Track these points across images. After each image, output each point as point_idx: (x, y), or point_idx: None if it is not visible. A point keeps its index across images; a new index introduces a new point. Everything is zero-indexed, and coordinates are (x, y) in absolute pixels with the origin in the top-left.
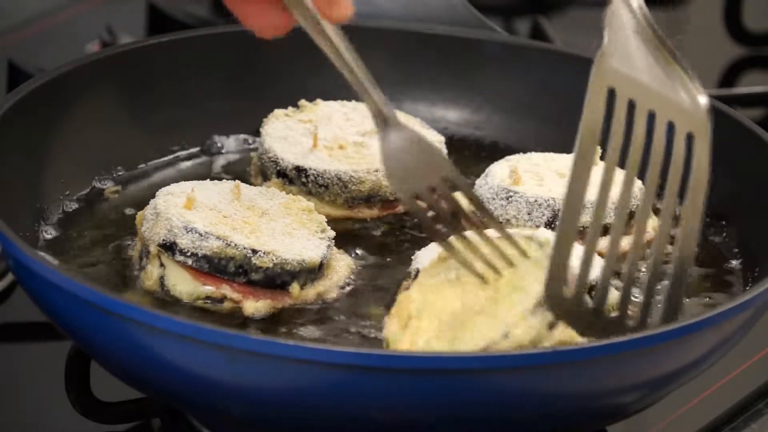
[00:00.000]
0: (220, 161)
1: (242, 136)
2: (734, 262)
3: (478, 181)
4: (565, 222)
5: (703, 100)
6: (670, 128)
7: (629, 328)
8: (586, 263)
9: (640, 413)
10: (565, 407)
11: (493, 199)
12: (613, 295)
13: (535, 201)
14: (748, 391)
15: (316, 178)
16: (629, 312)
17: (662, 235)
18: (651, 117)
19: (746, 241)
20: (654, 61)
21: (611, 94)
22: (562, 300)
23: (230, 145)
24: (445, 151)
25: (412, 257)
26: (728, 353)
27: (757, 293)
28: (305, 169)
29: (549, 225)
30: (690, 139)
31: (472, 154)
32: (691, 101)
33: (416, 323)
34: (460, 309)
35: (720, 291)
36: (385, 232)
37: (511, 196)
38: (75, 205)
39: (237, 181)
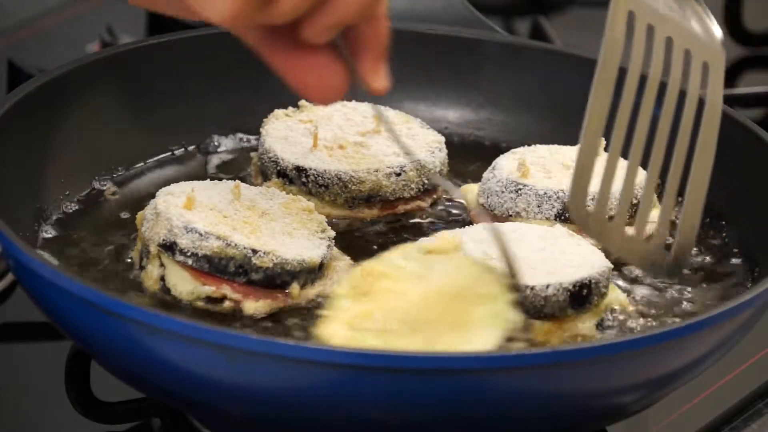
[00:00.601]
0: (216, 161)
1: (240, 135)
2: (734, 263)
3: (485, 174)
4: (587, 136)
5: (717, 31)
6: (687, 56)
7: (648, 247)
8: (608, 178)
9: (640, 413)
10: (565, 407)
11: (502, 192)
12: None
13: (545, 194)
14: (747, 391)
15: (316, 178)
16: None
17: (677, 164)
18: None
19: (746, 241)
20: None
21: (631, 18)
22: (586, 214)
23: (228, 144)
24: (445, 151)
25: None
26: (728, 353)
27: (757, 293)
28: (305, 169)
29: (559, 217)
30: (706, 68)
31: (472, 154)
32: (705, 32)
33: (367, 305)
34: (413, 310)
35: (719, 291)
36: (385, 232)
37: (520, 189)
38: (75, 205)
39: (237, 181)
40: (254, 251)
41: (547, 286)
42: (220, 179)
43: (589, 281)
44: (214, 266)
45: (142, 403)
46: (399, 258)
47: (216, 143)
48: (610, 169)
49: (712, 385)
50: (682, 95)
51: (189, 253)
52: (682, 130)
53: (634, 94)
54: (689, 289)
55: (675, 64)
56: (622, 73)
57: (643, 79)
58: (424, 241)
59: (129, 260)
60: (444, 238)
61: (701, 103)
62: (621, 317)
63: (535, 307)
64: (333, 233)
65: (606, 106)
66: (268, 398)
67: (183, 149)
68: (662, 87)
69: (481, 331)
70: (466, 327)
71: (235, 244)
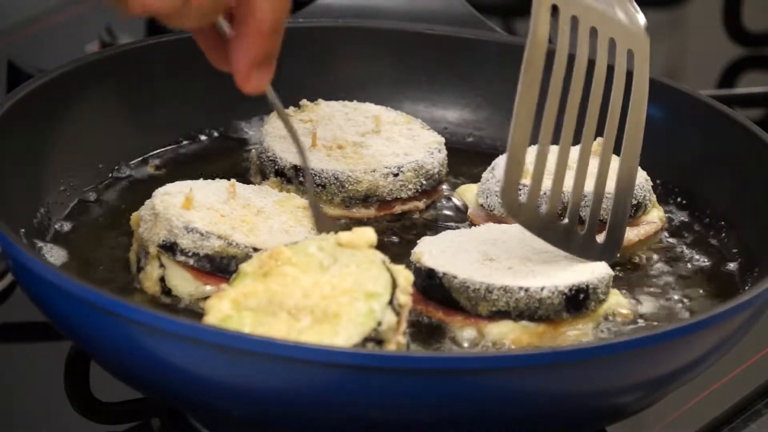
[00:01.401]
0: (214, 160)
1: (239, 135)
2: (733, 263)
3: (484, 174)
4: (516, 130)
5: (641, 18)
6: (612, 45)
7: (578, 235)
8: (539, 172)
9: (640, 413)
10: (565, 407)
11: None
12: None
13: (545, 194)
14: (747, 391)
15: (313, 177)
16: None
17: (606, 152)
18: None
19: (746, 241)
20: None
21: (555, 11)
22: (518, 205)
23: (227, 144)
24: (444, 152)
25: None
26: (728, 353)
27: (757, 293)
28: (303, 169)
29: (559, 216)
30: (630, 55)
31: (472, 154)
32: (629, 20)
33: (259, 286)
34: (297, 297)
35: (719, 291)
36: (382, 232)
37: (519, 189)
38: (74, 205)
39: (232, 180)
40: (255, 250)
41: (542, 289)
42: (216, 178)
43: (587, 286)
44: (215, 266)
45: (142, 403)
46: (313, 246)
47: (215, 143)
48: (540, 163)
49: (712, 385)
50: (609, 82)
51: (190, 253)
52: (610, 115)
53: (561, 84)
54: (689, 290)
55: (600, 52)
56: (549, 64)
57: (569, 70)
58: (341, 234)
59: (128, 261)
60: (358, 232)
61: (628, 89)
62: (619, 320)
63: (529, 309)
64: None
65: (534, 99)
66: (268, 398)
67: (183, 149)
68: (588, 77)
69: (348, 327)
70: (336, 320)
71: (237, 243)
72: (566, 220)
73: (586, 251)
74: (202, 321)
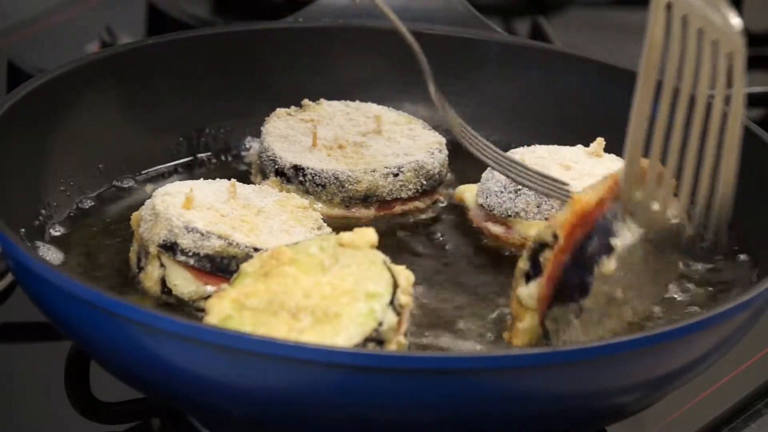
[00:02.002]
0: (215, 160)
1: (239, 135)
2: (734, 263)
3: (484, 175)
4: (633, 137)
5: (737, 21)
6: (714, 47)
7: (693, 238)
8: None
9: (640, 413)
10: (565, 407)
11: (501, 192)
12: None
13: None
14: (747, 391)
15: (313, 177)
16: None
17: (716, 154)
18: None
19: (747, 241)
20: None
21: (669, 10)
22: (635, 201)
23: (227, 144)
24: (445, 152)
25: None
26: (728, 353)
27: (757, 293)
28: (303, 168)
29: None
30: (730, 59)
31: (472, 154)
32: (726, 23)
33: (260, 285)
34: (298, 297)
35: (720, 291)
36: (382, 232)
37: (519, 189)
38: (75, 205)
39: (233, 180)
40: (256, 250)
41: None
42: (217, 178)
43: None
44: (215, 265)
45: (142, 403)
46: (314, 246)
47: (215, 143)
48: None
49: (712, 385)
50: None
51: (191, 253)
52: (712, 121)
53: (673, 92)
54: (689, 288)
55: (704, 54)
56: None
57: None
58: (342, 235)
59: (128, 261)
60: (359, 232)
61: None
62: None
63: None
64: (329, 229)
65: (648, 108)
66: (268, 398)
67: (183, 149)
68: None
69: (349, 327)
70: (337, 320)
71: (237, 243)
72: (691, 230)
73: (699, 254)
74: (203, 321)
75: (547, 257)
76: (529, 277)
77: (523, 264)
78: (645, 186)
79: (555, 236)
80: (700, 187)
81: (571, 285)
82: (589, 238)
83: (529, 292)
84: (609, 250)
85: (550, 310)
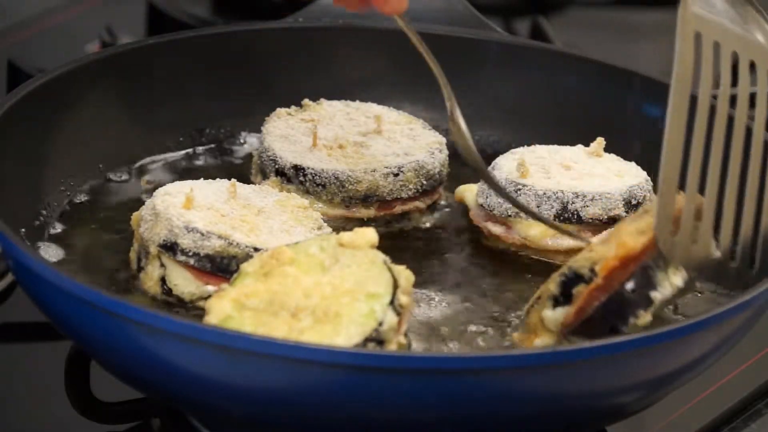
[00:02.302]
0: (215, 160)
1: (239, 135)
2: (734, 263)
3: None
4: (667, 172)
5: None
6: (752, 67)
7: (734, 271)
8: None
9: (640, 413)
10: (565, 407)
11: None
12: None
13: (544, 194)
14: (747, 391)
15: (313, 177)
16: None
17: (753, 176)
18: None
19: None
20: (730, 4)
21: (698, 39)
22: (672, 243)
23: (227, 144)
24: (446, 152)
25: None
26: (728, 353)
27: (757, 293)
28: (303, 168)
29: (558, 217)
30: None
31: None
32: (766, 39)
33: (261, 285)
34: (298, 297)
35: (720, 291)
36: (382, 232)
37: (519, 189)
38: (75, 205)
39: (233, 179)
40: (256, 250)
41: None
42: (217, 178)
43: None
44: (216, 265)
45: (142, 403)
46: (314, 246)
47: (215, 143)
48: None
49: (712, 385)
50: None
51: (191, 253)
52: (755, 139)
53: (708, 115)
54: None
55: (742, 78)
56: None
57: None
58: (342, 235)
59: (128, 261)
60: (360, 232)
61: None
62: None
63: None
64: (329, 229)
65: (681, 139)
66: (268, 398)
67: (183, 149)
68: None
69: (349, 327)
70: (337, 320)
71: (237, 243)
72: (736, 264)
73: (734, 282)
74: (203, 321)
75: (581, 291)
76: (557, 302)
77: (554, 288)
78: (681, 227)
79: (593, 271)
80: (743, 219)
81: (602, 327)
82: (629, 284)
83: (555, 316)
84: (648, 303)
85: (572, 335)
